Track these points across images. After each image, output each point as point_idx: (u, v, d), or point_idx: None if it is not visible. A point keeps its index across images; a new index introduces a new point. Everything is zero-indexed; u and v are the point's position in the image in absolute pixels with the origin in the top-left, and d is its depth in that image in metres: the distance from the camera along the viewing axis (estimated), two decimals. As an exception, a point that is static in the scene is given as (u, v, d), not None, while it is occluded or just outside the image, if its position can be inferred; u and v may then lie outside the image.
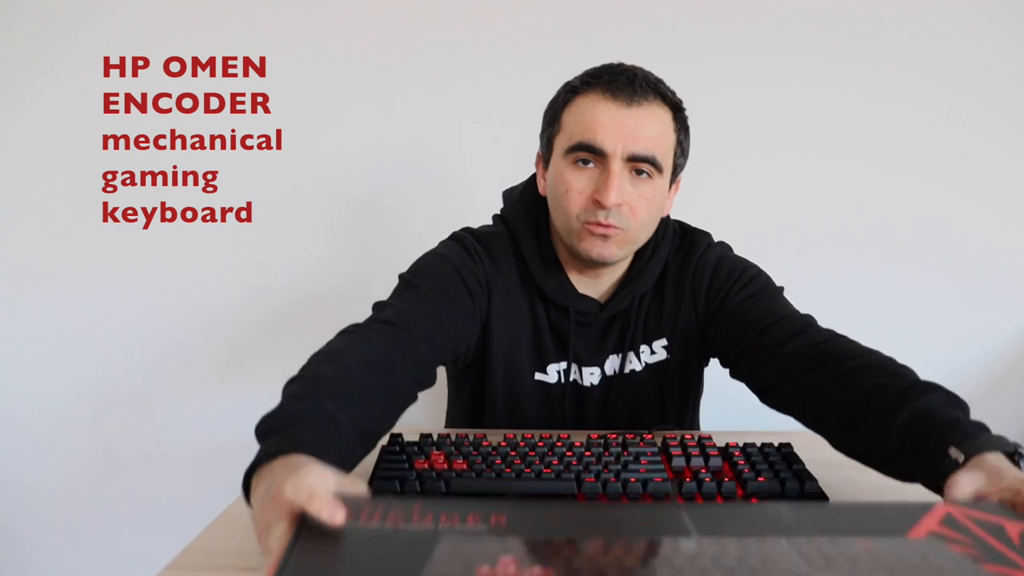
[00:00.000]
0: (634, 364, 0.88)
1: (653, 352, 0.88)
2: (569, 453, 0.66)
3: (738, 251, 0.95)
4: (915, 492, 0.67)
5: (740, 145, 1.36)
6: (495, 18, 1.33)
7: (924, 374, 1.47)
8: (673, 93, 0.81)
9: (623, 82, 0.76)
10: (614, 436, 0.71)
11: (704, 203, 1.34)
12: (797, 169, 1.38)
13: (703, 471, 0.64)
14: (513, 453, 0.66)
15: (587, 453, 0.66)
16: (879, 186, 1.38)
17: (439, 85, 1.35)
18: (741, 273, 0.87)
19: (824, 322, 0.95)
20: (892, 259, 1.40)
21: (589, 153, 0.77)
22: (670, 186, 0.84)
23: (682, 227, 0.93)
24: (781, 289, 0.87)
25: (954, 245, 1.40)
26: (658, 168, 0.78)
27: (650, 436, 0.71)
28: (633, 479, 0.61)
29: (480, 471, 0.62)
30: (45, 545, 1.43)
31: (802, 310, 0.84)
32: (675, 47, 1.33)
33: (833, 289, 1.40)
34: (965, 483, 0.46)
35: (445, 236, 0.91)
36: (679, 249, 0.90)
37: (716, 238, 0.95)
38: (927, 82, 1.36)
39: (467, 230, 0.90)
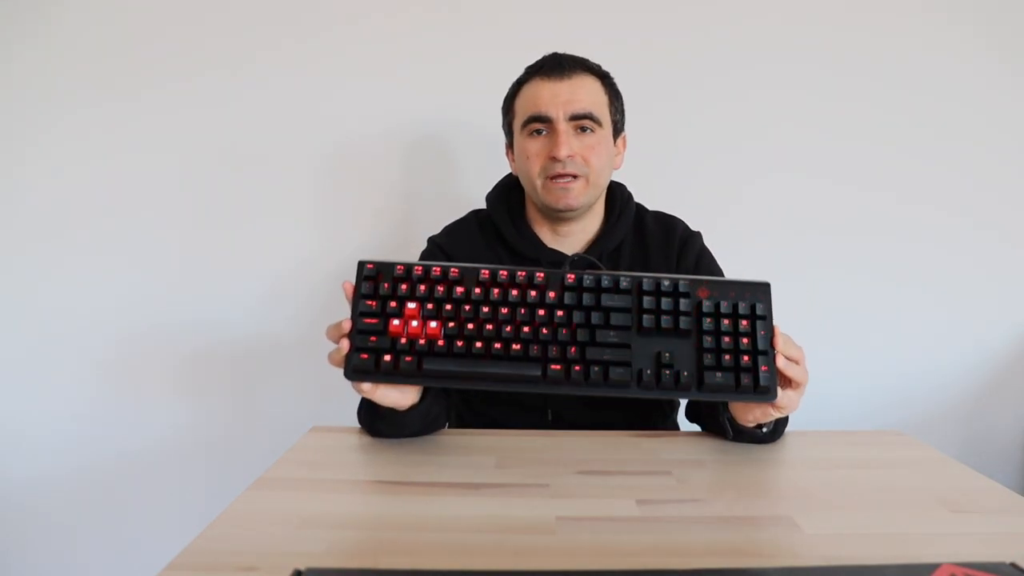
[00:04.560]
0: None
1: None
2: (542, 311, 0.69)
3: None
4: (919, 500, 0.67)
5: (745, 147, 1.37)
6: (496, 26, 1.33)
7: (925, 373, 1.47)
8: (599, 66, 0.96)
9: (552, 64, 0.93)
10: (589, 294, 0.70)
11: (709, 199, 1.36)
12: (799, 166, 1.38)
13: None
14: (487, 309, 0.69)
15: (559, 312, 0.69)
16: (879, 187, 1.38)
17: (438, 84, 1.35)
18: (713, 274, 0.98)
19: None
20: (892, 259, 1.40)
21: (539, 122, 0.91)
22: (615, 140, 0.97)
23: (652, 211, 1.06)
24: None
25: (954, 245, 1.40)
26: (597, 122, 0.92)
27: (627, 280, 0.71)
28: (596, 368, 0.66)
29: (452, 342, 0.67)
30: (46, 545, 1.43)
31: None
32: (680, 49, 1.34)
33: (834, 288, 1.40)
34: None
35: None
36: (657, 219, 1.03)
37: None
38: (928, 79, 1.36)
39: (431, 237, 1.04)
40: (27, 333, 1.38)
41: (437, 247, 1.01)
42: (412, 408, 0.76)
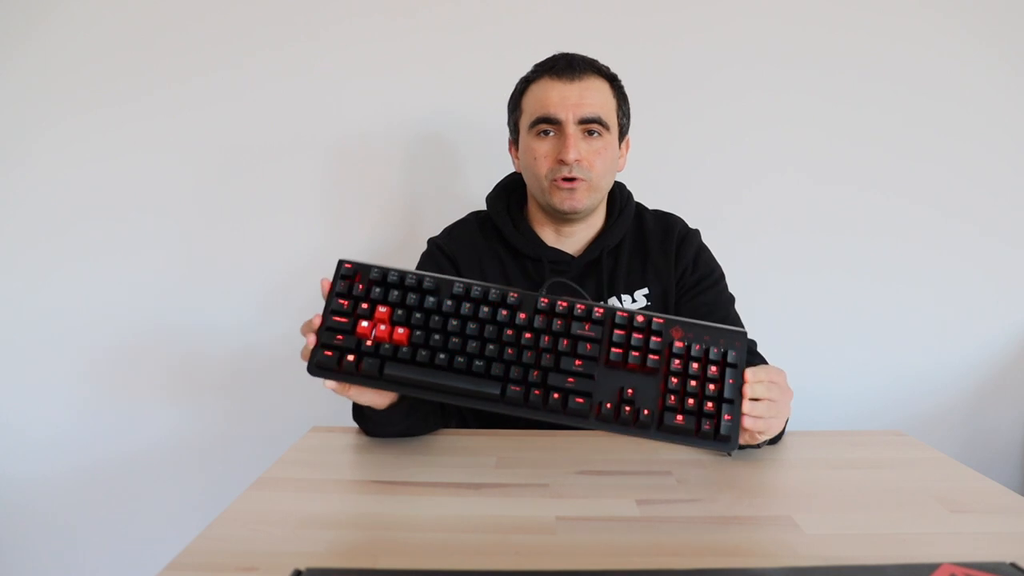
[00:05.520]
0: None
1: (634, 300, 0.98)
2: (510, 332, 0.68)
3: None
4: (919, 500, 0.67)
5: (745, 145, 1.37)
6: (499, 26, 1.33)
7: (925, 373, 1.46)
8: (608, 68, 0.96)
9: (563, 65, 0.92)
10: (560, 321, 0.68)
11: (713, 197, 1.36)
12: (798, 166, 1.38)
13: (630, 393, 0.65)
14: (455, 322, 0.68)
15: (527, 335, 0.67)
16: (879, 186, 1.38)
17: (441, 83, 1.35)
18: (713, 271, 1.00)
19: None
20: (892, 259, 1.40)
21: (548, 124, 0.91)
22: (620, 143, 0.98)
23: (651, 210, 1.06)
24: (732, 299, 1.00)
25: (954, 244, 1.40)
26: (605, 126, 0.92)
27: (601, 311, 0.69)
28: (556, 395, 0.65)
29: (417, 348, 0.67)
30: (46, 545, 1.43)
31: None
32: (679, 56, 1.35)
33: (834, 287, 1.40)
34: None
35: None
36: (656, 218, 1.03)
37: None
38: (928, 78, 1.36)
39: (431, 238, 1.03)
40: (28, 333, 1.37)
41: (437, 248, 1.01)
42: (392, 407, 0.75)
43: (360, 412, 0.80)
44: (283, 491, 0.65)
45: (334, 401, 1.16)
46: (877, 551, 0.54)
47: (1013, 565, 0.44)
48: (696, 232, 1.03)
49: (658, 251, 0.99)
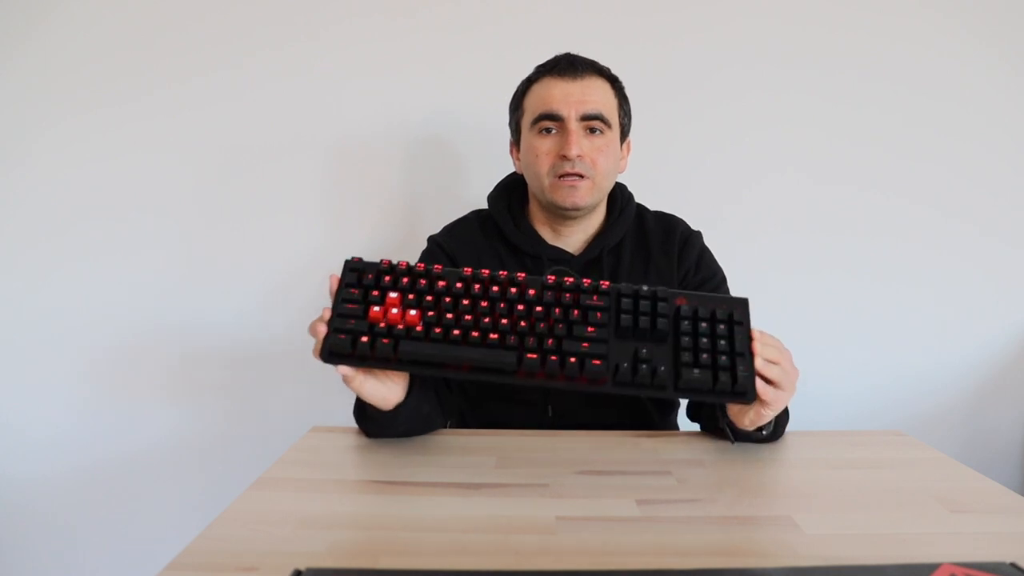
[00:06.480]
0: None
1: None
2: (521, 307, 0.69)
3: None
4: (919, 500, 0.67)
5: (746, 147, 1.37)
6: (499, 26, 1.33)
7: (925, 373, 1.46)
8: (609, 70, 0.97)
9: (565, 64, 0.93)
10: (568, 295, 0.71)
11: (713, 198, 1.35)
12: (799, 166, 1.38)
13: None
14: (466, 302, 0.69)
15: (538, 308, 0.69)
16: (879, 186, 1.38)
17: (441, 83, 1.35)
18: (715, 274, 1.01)
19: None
20: (892, 259, 1.40)
21: (550, 121, 0.92)
22: (621, 143, 0.98)
23: (652, 211, 1.06)
24: None
25: (954, 244, 1.40)
26: (607, 123, 0.93)
27: (606, 284, 0.72)
28: (572, 359, 0.66)
29: (429, 328, 0.67)
30: (46, 545, 1.43)
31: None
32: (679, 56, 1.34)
33: (834, 287, 1.40)
34: None
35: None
36: (657, 219, 1.03)
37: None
38: (928, 78, 1.36)
39: (432, 236, 1.03)
40: (28, 333, 1.37)
41: (438, 246, 1.01)
42: (399, 406, 0.75)
43: (363, 413, 0.80)
44: (283, 491, 0.65)
45: (334, 401, 1.17)
46: (877, 551, 0.54)
47: (1013, 565, 0.44)
48: (698, 234, 1.03)
49: (660, 252, 0.99)
